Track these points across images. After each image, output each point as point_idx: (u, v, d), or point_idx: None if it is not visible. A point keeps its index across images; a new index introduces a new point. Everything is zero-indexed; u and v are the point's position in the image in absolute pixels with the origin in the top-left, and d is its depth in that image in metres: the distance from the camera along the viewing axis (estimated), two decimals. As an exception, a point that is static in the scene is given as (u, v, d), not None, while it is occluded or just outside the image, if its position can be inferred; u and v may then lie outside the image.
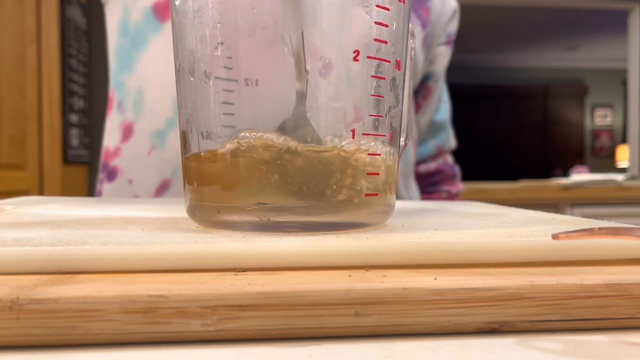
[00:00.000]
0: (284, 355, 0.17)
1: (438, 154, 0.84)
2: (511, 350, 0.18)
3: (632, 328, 0.20)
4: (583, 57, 6.33)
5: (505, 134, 6.48)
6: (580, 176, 2.43)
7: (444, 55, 0.76)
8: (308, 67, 0.25)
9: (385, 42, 0.27)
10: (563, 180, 2.33)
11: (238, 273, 0.21)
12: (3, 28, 1.91)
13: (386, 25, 0.27)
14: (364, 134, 0.27)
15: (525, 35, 5.29)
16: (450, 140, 0.84)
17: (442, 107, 0.82)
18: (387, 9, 0.27)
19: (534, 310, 0.20)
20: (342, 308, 0.19)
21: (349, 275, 0.21)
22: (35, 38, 2.08)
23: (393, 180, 0.29)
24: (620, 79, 6.01)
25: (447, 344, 0.19)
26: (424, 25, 0.71)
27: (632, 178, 2.37)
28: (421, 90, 0.77)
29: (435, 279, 0.20)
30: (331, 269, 0.22)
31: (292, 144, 0.25)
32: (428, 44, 0.73)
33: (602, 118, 6.78)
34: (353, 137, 0.26)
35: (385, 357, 0.17)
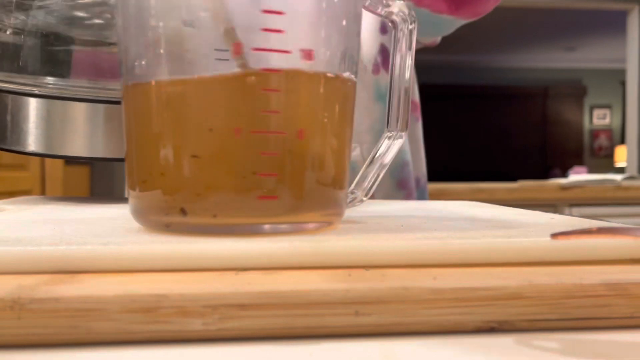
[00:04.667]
0: (284, 354, 0.18)
1: None
2: (510, 349, 0.18)
3: (631, 327, 0.20)
4: (582, 57, 6.33)
5: (504, 134, 6.48)
6: (578, 176, 2.43)
7: None
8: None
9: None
10: (562, 181, 2.33)
11: (238, 273, 0.21)
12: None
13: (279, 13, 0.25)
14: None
15: (524, 36, 5.30)
16: None
17: None
18: None
19: (533, 310, 0.20)
20: (342, 308, 0.19)
21: (349, 275, 0.21)
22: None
23: (342, 177, 0.28)
24: (618, 79, 6.01)
25: (447, 343, 0.19)
26: None
27: (631, 178, 2.37)
28: None
29: (435, 278, 0.20)
30: (331, 269, 0.22)
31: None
32: None
33: (600, 118, 6.78)
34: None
35: (385, 357, 0.17)
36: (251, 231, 0.26)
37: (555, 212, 0.49)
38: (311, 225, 0.27)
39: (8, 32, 0.45)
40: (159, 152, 0.26)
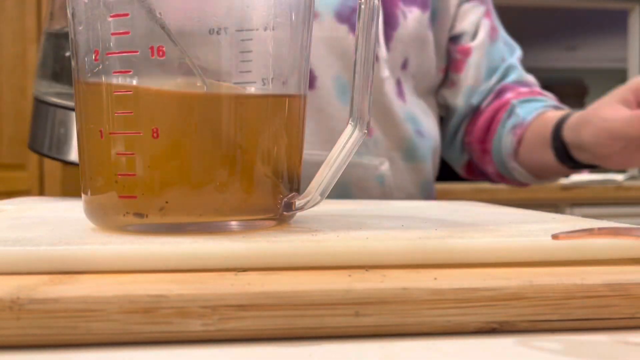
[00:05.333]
0: (284, 355, 0.17)
1: (500, 91, 0.70)
2: (511, 350, 0.18)
3: (632, 328, 0.20)
4: (583, 57, 6.32)
5: (505, 134, 6.46)
6: (580, 176, 2.43)
7: (471, 10, 0.70)
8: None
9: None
10: (563, 181, 2.33)
11: (238, 273, 0.21)
12: (3, 28, 1.91)
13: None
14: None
15: (525, 36, 5.29)
16: (521, 76, 0.71)
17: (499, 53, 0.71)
18: None
19: (534, 310, 0.20)
20: (342, 308, 0.19)
21: (349, 275, 0.21)
22: (36, 38, 2.08)
23: (292, 176, 0.28)
24: (620, 79, 6.00)
25: (447, 344, 0.19)
26: (424, 5, 0.67)
27: (632, 178, 2.37)
28: (452, 62, 0.71)
29: (435, 279, 0.20)
30: (331, 269, 0.22)
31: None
32: (436, 18, 0.69)
33: (602, 118, 6.77)
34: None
35: (385, 357, 0.17)
36: (202, 229, 0.26)
37: (556, 212, 0.49)
38: (258, 223, 0.27)
39: (67, 54, 0.50)
40: (110, 153, 0.26)
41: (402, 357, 0.17)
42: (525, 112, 0.66)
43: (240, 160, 0.26)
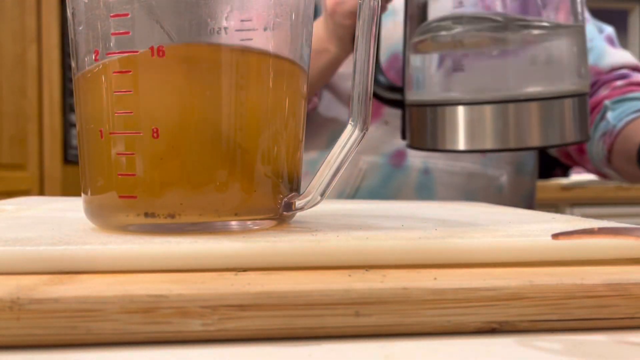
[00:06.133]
0: (284, 355, 0.17)
1: (593, 84, 0.66)
2: (511, 350, 0.18)
3: (632, 328, 0.20)
4: (583, 57, 6.31)
5: (505, 134, 6.45)
6: (580, 176, 2.43)
7: None
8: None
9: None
10: (563, 181, 2.33)
11: (238, 273, 0.21)
12: (3, 28, 1.91)
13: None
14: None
15: (525, 36, 5.28)
16: (605, 57, 0.67)
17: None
18: None
19: (534, 310, 0.20)
20: (342, 308, 0.19)
21: (349, 275, 0.21)
22: (36, 38, 2.08)
23: (292, 176, 0.28)
24: (620, 79, 5.99)
25: (447, 344, 0.19)
26: None
27: (632, 178, 2.36)
28: None
29: (435, 279, 0.20)
30: (331, 269, 0.22)
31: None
32: None
33: (602, 118, 6.77)
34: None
35: (385, 357, 0.17)
36: (202, 229, 0.26)
37: (556, 212, 0.49)
38: (259, 222, 0.27)
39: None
40: (110, 153, 0.26)
41: (402, 357, 0.17)
42: (616, 117, 0.62)
43: (240, 160, 0.26)
